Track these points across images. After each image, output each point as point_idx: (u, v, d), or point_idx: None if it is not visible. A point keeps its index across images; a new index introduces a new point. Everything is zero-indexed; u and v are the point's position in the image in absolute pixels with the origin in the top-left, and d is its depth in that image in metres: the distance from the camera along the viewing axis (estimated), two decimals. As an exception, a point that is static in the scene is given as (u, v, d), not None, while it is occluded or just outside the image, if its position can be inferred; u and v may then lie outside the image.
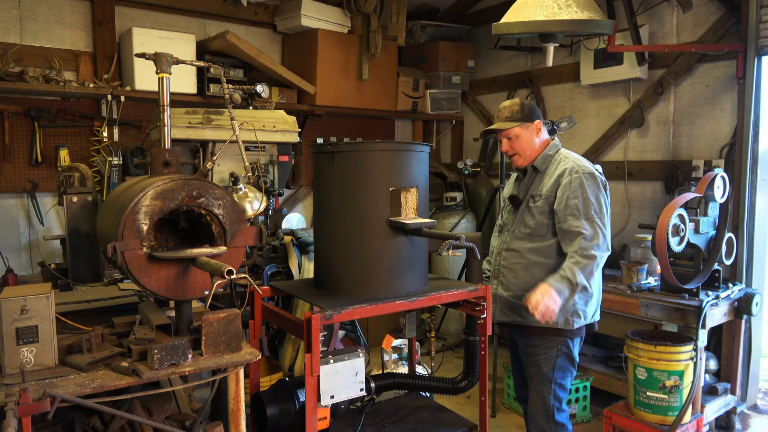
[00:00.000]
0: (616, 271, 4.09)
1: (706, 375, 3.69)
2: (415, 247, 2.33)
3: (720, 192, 3.47)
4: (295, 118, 3.43)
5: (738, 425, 3.74)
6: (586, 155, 4.83)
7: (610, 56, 4.39)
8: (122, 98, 4.04)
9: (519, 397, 3.06)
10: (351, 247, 2.27)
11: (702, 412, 3.38)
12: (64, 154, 4.03)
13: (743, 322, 3.70)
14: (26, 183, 3.95)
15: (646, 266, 3.77)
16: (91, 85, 3.94)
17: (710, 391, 3.64)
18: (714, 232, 3.55)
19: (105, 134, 4.07)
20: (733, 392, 3.74)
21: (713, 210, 3.54)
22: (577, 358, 2.75)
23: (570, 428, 2.76)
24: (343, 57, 4.92)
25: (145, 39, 4.00)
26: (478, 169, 5.63)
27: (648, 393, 3.23)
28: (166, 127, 2.21)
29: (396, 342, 3.55)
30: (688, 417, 3.22)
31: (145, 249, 1.84)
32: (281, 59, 5.13)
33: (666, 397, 3.18)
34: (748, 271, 3.87)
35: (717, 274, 3.55)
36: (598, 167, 2.74)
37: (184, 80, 4.14)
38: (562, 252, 2.60)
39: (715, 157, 4.03)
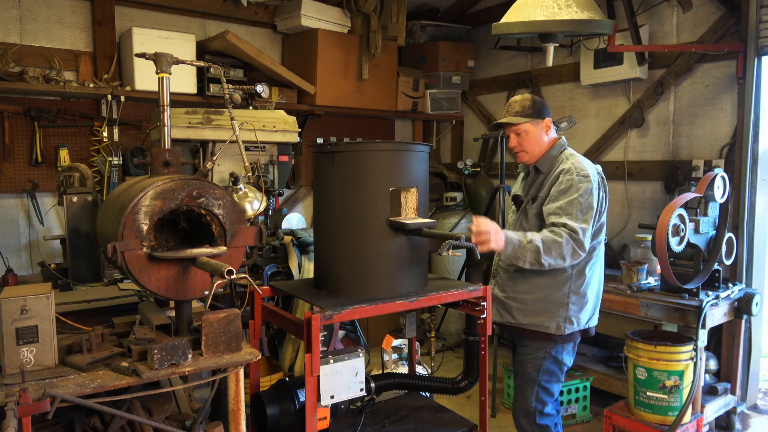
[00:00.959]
0: (616, 271, 4.09)
1: (706, 375, 3.69)
2: (415, 247, 2.33)
3: (720, 192, 3.47)
4: (295, 118, 3.43)
5: (738, 425, 3.74)
6: (586, 155, 4.81)
7: (610, 56, 4.39)
8: (122, 98, 4.04)
9: None
10: (351, 247, 2.27)
11: (702, 412, 3.38)
12: (64, 154, 4.03)
13: (743, 322, 3.70)
14: (26, 183, 3.95)
15: (646, 266, 3.77)
16: (91, 85, 3.94)
17: (710, 391, 3.64)
18: (714, 232, 3.55)
19: (105, 134, 4.07)
20: (733, 392, 3.74)
21: (713, 210, 3.54)
22: (569, 364, 2.71)
23: None
24: (343, 57, 4.92)
25: (145, 39, 4.00)
26: (478, 169, 5.63)
27: (648, 393, 3.23)
28: (166, 127, 2.21)
29: (396, 342, 3.55)
30: (688, 417, 3.22)
31: (145, 249, 1.84)
32: (281, 59, 5.13)
33: (666, 397, 3.18)
34: (748, 271, 3.87)
35: (717, 274, 3.55)
36: (598, 167, 2.71)
37: (184, 80, 4.14)
38: None
39: (715, 157, 4.03)
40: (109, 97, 3.97)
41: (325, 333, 3.05)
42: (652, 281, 3.71)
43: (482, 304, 2.46)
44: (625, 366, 3.39)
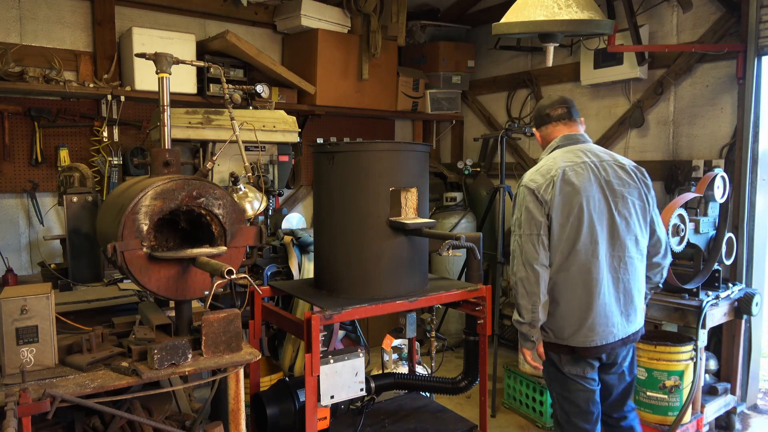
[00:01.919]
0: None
1: (706, 375, 3.69)
2: (415, 247, 2.33)
3: (720, 192, 3.47)
4: (295, 118, 3.43)
5: (738, 425, 3.74)
6: (586, 155, 4.83)
7: (610, 56, 4.39)
8: (122, 98, 4.04)
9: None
10: (351, 247, 2.27)
11: (702, 412, 3.38)
12: (64, 154, 4.03)
13: (743, 322, 3.70)
14: (26, 183, 3.95)
15: (646, 266, 3.76)
16: (91, 85, 3.94)
17: (710, 391, 3.64)
18: (714, 232, 3.56)
19: (105, 134, 4.06)
20: (733, 392, 3.74)
21: (713, 210, 3.54)
22: (582, 374, 2.43)
23: None
24: (343, 57, 4.92)
25: (145, 39, 4.00)
26: (478, 169, 5.63)
27: (648, 393, 3.23)
28: (166, 127, 2.22)
29: (396, 342, 3.55)
30: (688, 417, 3.22)
31: (145, 249, 1.84)
32: (281, 59, 5.13)
33: (666, 397, 3.18)
34: (748, 271, 3.87)
35: (717, 274, 3.55)
36: (563, 166, 2.40)
37: (184, 80, 4.14)
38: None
39: (715, 157, 4.02)
40: (109, 97, 3.97)
41: (325, 333, 3.05)
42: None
43: (482, 304, 2.46)
44: (625, 366, 3.38)
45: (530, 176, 2.44)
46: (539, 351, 2.45)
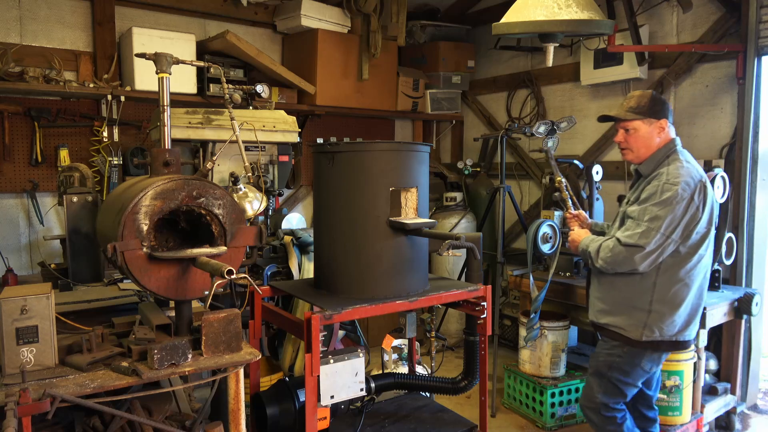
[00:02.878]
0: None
1: (706, 375, 3.69)
2: (415, 247, 2.33)
3: (720, 192, 3.47)
4: (295, 118, 3.43)
5: (738, 425, 3.74)
6: (586, 155, 4.84)
7: (610, 56, 4.39)
8: (122, 98, 4.04)
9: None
10: (351, 247, 2.27)
11: (702, 412, 3.38)
12: (64, 154, 4.03)
13: (743, 322, 3.70)
14: (26, 183, 3.95)
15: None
16: (91, 85, 3.94)
17: (710, 391, 3.64)
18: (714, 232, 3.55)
19: (105, 134, 4.06)
20: (733, 392, 3.74)
21: (713, 210, 3.54)
22: (648, 371, 2.66)
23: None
24: (343, 57, 4.92)
25: (145, 39, 4.00)
26: (478, 169, 5.63)
27: (648, 393, 3.22)
28: (166, 127, 2.21)
29: (396, 342, 3.55)
30: (688, 417, 3.22)
31: (145, 249, 1.84)
32: (281, 59, 5.13)
33: (666, 397, 3.18)
34: (748, 271, 3.87)
35: (717, 275, 3.55)
36: (703, 175, 2.56)
37: (184, 80, 4.14)
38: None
39: (715, 157, 4.02)
40: (109, 97, 3.97)
41: (325, 333, 3.05)
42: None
43: (482, 304, 2.46)
44: (625, 366, 3.38)
45: (686, 171, 2.50)
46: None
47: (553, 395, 3.69)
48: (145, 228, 1.84)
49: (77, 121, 4.09)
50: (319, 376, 2.07)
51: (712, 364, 3.80)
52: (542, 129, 3.87)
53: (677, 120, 4.30)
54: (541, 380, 3.74)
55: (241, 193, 2.78)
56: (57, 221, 4.07)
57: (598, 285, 2.74)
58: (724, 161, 3.94)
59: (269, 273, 3.15)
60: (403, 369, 3.44)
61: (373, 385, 2.55)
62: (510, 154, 5.51)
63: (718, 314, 3.41)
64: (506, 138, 4.39)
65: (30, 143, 3.94)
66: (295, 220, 4.71)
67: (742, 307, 3.53)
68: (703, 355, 3.40)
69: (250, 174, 2.61)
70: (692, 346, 3.21)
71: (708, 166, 3.96)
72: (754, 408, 3.99)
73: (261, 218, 3.23)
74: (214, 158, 2.37)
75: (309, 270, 3.23)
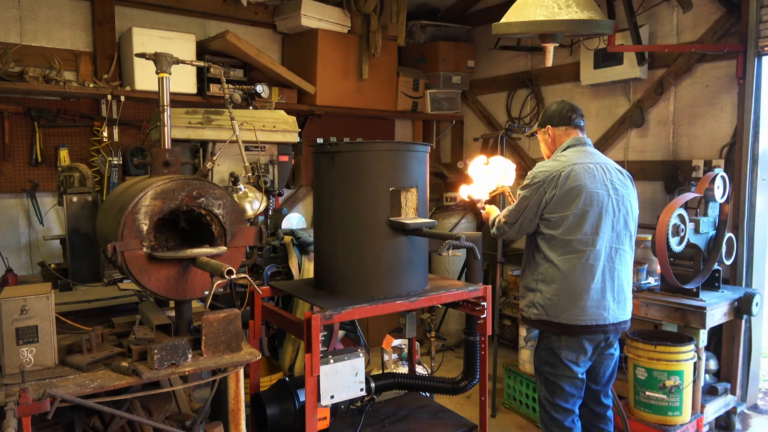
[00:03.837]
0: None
1: (706, 375, 3.69)
2: (415, 247, 2.33)
3: (720, 192, 3.47)
4: (295, 118, 3.43)
5: (738, 425, 3.74)
6: (586, 155, 4.83)
7: (610, 56, 4.39)
8: (122, 98, 4.03)
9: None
10: (351, 247, 2.27)
11: (702, 412, 3.38)
12: (64, 154, 4.03)
13: (743, 322, 3.70)
14: (26, 183, 3.95)
15: (646, 266, 3.76)
16: (91, 85, 3.94)
17: (710, 391, 3.64)
18: (714, 232, 3.55)
19: (105, 134, 4.06)
20: (733, 392, 3.74)
21: (713, 210, 3.54)
22: (573, 360, 2.65)
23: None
24: (343, 57, 4.92)
25: (145, 39, 4.00)
26: (478, 169, 5.61)
27: (648, 393, 3.23)
28: (166, 127, 2.21)
29: (396, 342, 3.55)
30: (688, 417, 3.22)
31: (145, 249, 1.84)
32: (281, 59, 5.13)
33: (666, 397, 3.18)
34: (748, 271, 3.87)
35: (717, 274, 3.55)
36: (565, 168, 2.68)
37: (184, 80, 4.14)
38: (534, 251, 2.74)
39: (715, 157, 4.02)
40: (109, 97, 3.97)
41: (325, 333, 3.05)
42: (652, 281, 3.71)
43: (482, 304, 2.46)
44: (625, 366, 3.39)
45: (540, 168, 2.74)
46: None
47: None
48: (145, 228, 1.84)
49: (77, 121, 4.09)
50: (319, 376, 2.07)
51: (712, 364, 3.80)
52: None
53: (677, 120, 4.30)
54: (541, 380, 3.73)
55: (241, 193, 2.77)
56: (57, 221, 4.07)
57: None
58: (724, 161, 3.94)
59: (269, 273, 3.15)
60: (403, 369, 3.44)
61: (373, 385, 2.55)
62: (510, 154, 5.50)
63: (718, 314, 3.41)
64: (506, 138, 4.39)
65: (30, 143, 3.94)
66: (295, 220, 4.71)
67: (742, 307, 3.53)
68: (703, 355, 3.40)
69: (250, 174, 2.61)
70: (692, 345, 3.21)
71: (708, 166, 3.97)
72: (754, 408, 3.99)
73: (261, 218, 3.23)
74: (214, 158, 2.37)
75: (309, 270, 3.23)
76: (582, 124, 2.87)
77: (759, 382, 4.12)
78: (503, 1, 5.09)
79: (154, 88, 2.32)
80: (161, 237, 2.01)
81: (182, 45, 4.12)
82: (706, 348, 3.60)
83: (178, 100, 4.11)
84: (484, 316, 2.46)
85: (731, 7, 3.88)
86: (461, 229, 5.31)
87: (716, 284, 3.55)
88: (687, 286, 3.38)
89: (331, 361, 2.14)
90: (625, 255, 2.73)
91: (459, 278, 4.67)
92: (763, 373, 4.26)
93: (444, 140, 6.29)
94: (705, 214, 3.52)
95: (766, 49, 3.71)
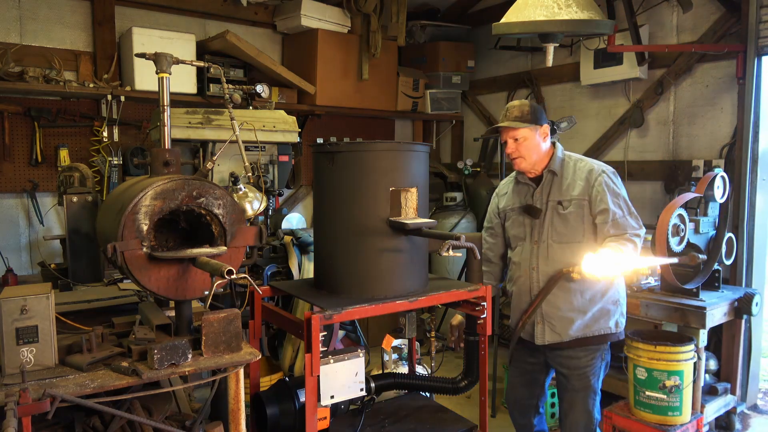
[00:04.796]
0: (616, 271, 4.09)
1: (706, 375, 3.69)
2: (415, 247, 2.33)
3: (720, 192, 3.47)
4: (295, 118, 3.43)
5: (738, 425, 3.74)
6: (586, 155, 4.79)
7: (610, 56, 4.39)
8: (122, 98, 4.04)
9: (521, 420, 2.96)
10: (351, 247, 2.27)
11: (702, 412, 3.38)
12: (64, 154, 4.03)
13: (743, 322, 3.70)
14: (26, 183, 3.95)
15: (646, 266, 3.76)
16: (91, 85, 3.94)
17: (710, 391, 3.64)
18: (714, 232, 3.55)
19: (105, 134, 4.06)
20: (733, 392, 3.74)
21: (713, 210, 3.54)
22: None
23: None
24: (343, 57, 4.92)
25: (145, 39, 4.00)
26: (478, 169, 5.63)
27: (648, 393, 3.22)
28: (166, 127, 2.21)
29: (396, 342, 3.54)
30: (688, 417, 3.22)
31: (145, 249, 1.84)
32: (281, 59, 5.13)
33: (666, 397, 3.18)
34: (748, 271, 3.87)
35: (717, 274, 3.55)
36: None
37: (184, 80, 4.14)
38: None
39: (715, 157, 4.02)
40: (109, 97, 3.97)
41: (325, 333, 3.05)
42: (652, 281, 3.71)
43: (482, 304, 2.46)
44: (625, 366, 3.38)
45: (601, 163, 2.70)
46: None
47: (552, 395, 3.69)
48: (145, 228, 1.84)
49: (77, 121, 4.09)
50: (319, 376, 2.07)
51: (712, 364, 3.80)
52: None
53: (677, 120, 4.30)
54: (541, 380, 3.73)
55: (241, 193, 2.78)
56: (57, 221, 4.07)
57: (568, 298, 2.64)
58: (724, 161, 3.94)
59: (269, 273, 3.15)
60: (403, 369, 3.44)
61: (373, 385, 2.55)
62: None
63: (718, 314, 3.41)
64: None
65: (30, 143, 3.94)
66: (295, 220, 4.71)
67: (742, 307, 3.53)
68: (703, 355, 3.40)
69: (250, 174, 2.61)
70: (692, 345, 3.21)
71: (708, 166, 3.97)
72: (754, 408, 3.99)
73: (261, 218, 3.23)
74: (214, 158, 2.37)
75: (309, 270, 3.23)
76: None
77: (759, 382, 4.12)
78: (503, 1, 5.09)
79: (154, 88, 2.31)
80: (161, 237, 2.01)
81: (182, 45, 4.12)
82: (706, 348, 3.60)
83: (178, 100, 4.11)
84: (484, 316, 2.46)
85: (731, 7, 3.88)
86: (461, 229, 5.31)
87: (716, 284, 3.55)
88: (687, 286, 3.38)
89: (331, 361, 2.14)
90: None
91: (459, 278, 4.67)
92: (763, 373, 4.26)
93: (444, 140, 6.29)
94: (705, 214, 3.52)
95: (766, 49, 3.71)
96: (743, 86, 3.79)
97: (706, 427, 3.46)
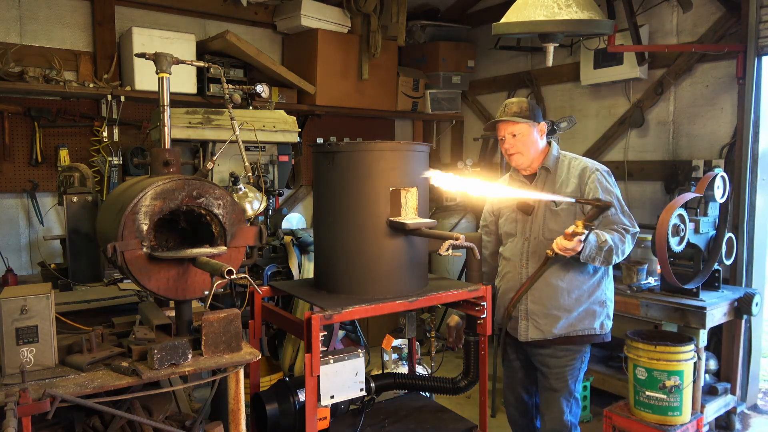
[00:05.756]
0: (616, 271, 4.08)
1: (706, 375, 3.69)
2: (415, 247, 2.33)
3: (720, 192, 3.47)
4: (295, 118, 3.43)
5: (738, 425, 3.74)
6: (586, 155, 4.81)
7: (610, 56, 4.39)
8: (122, 98, 4.04)
9: (517, 418, 2.97)
10: (351, 247, 2.27)
11: (702, 412, 3.38)
12: (64, 154, 4.03)
13: (743, 322, 3.70)
14: (26, 183, 3.95)
15: (646, 266, 3.76)
16: (91, 85, 3.94)
17: (710, 391, 3.64)
18: (714, 232, 3.55)
19: (105, 134, 4.06)
20: (733, 392, 3.74)
21: (713, 210, 3.54)
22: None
23: None
24: (343, 57, 4.92)
25: (145, 39, 4.00)
26: (478, 169, 5.62)
27: (648, 393, 3.22)
28: (166, 127, 2.21)
29: (396, 342, 3.54)
30: (688, 417, 3.22)
31: (145, 249, 1.84)
32: (281, 59, 5.13)
33: (666, 397, 3.18)
34: (748, 271, 3.87)
35: (717, 274, 3.55)
36: None
37: (184, 80, 4.14)
38: None
39: (715, 157, 4.02)
40: (109, 97, 3.97)
41: (325, 333, 3.05)
42: (652, 281, 3.71)
43: (482, 304, 2.46)
44: (625, 366, 3.39)
45: (595, 162, 2.70)
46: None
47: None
48: (145, 228, 1.84)
49: (77, 121, 4.09)
50: (319, 376, 2.07)
51: (712, 364, 3.80)
52: (543, 128, 3.86)
53: (677, 120, 4.30)
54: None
55: (241, 193, 2.78)
56: (57, 221, 4.07)
57: (554, 295, 2.63)
58: (724, 161, 3.94)
59: (269, 273, 3.15)
60: (403, 369, 3.44)
61: (373, 385, 2.55)
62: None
63: (718, 314, 3.41)
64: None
65: (30, 143, 3.94)
66: (295, 220, 4.71)
67: (742, 307, 3.53)
68: (703, 355, 3.40)
69: (250, 174, 2.61)
70: (692, 345, 3.21)
71: (708, 166, 3.97)
72: (754, 408, 3.99)
73: (261, 218, 3.23)
74: (214, 158, 2.37)
75: (309, 270, 3.23)
76: None
77: (759, 382, 4.12)
78: (503, 1, 5.09)
79: (154, 88, 2.31)
80: (161, 237, 2.01)
81: (182, 45, 4.12)
82: (706, 348, 3.60)
83: (178, 100, 4.11)
84: (484, 316, 2.46)
85: (731, 7, 3.88)
86: (461, 229, 5.31)
87: (716, 284, 3.55)
88: (687, 286, 3.38)
89: (331, 361, 2.14)
90: None
91: (459, 278, 4.67)
92: (763, 373, 4.26)
93: (444, 140, 6.29)
94: (705, 214, 3.52)
95: (766, 49, 3.71)
96: (743, 86, 3.79)
97: (706, 427, 3.46)
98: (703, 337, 3.32)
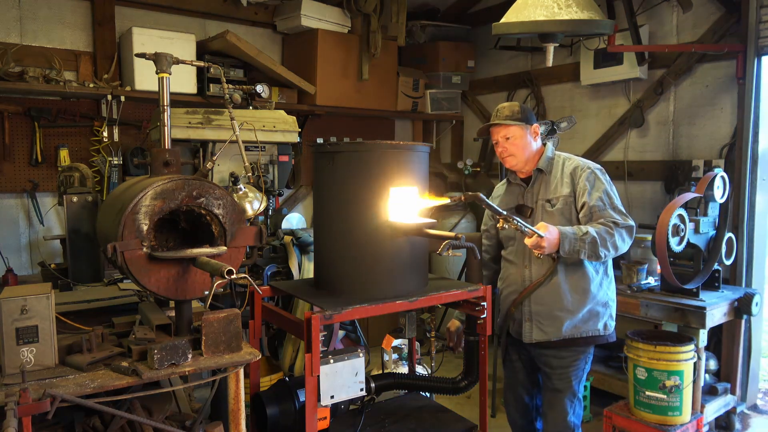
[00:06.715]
0: (616, 271, 4.08)
1: (706, 375, 3.69)
2: (415, 247, 2.33)
3: (720, 192, 3.47)
4: (295, 118, 3.43)
5: (738, 425, 3.74)
6: (586, 155, 4.83)
7: (610, 56, 4.39)
8: (122, 98, 4.03)
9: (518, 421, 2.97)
10: (351, 247, 2.27)
11: (702, 412, 3.38)
12: (64, 154, 4.03)
13: (743, 322, 3.70)
14: (26, 183, 3.95)
15: (646, 266, 3.76)
16: (91, 85, 3.94)
17: (710, 391, 3.64)
18: (714, 232, 3.55)
19: (105, 134, 4.06)
20: (733, 392, 3.74)
21: (713, 210, 3.54)
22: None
23: None
24: (343, 57, 4.92)
25: (145, 39, 4.00)
26: (478, 169, 5.63)
27: (648, 393, 3.23)
28: (166, 127, 2.21)
29: (396, 342, 3.54)
30: (688, 417, 3.22)
31: (145, 249, 1.84)
32: (281, 59, 5.13)
33: (666, 397, 3.18)
34: (748, 271, 3.87)
35: (717, 274, 3.55)
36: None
37: (184, 80, 4.14)
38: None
39: (715, 157, 4.03)
40: (109, 97, 3.97)
41: (325, 333, 3.05)
42: (652, 281, 3.71)
43: (482, 304, 2.46)
44: (625, 366, 3.39)
45: (588, 161, 2.68)
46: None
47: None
48: (145, 228, 1.84)
49: (77, 121, 4.09)
50: (319, 376, 2.07)
51: (712, 364, 3.80)
52: (542, 129, 3.86)
53: (677, 120, 4.30)
54: (541, 380, 3.73)
55: (241, 193, 2.78)
56: (57, 221, 4.07)
57: (556, 296, 2.62)
58: (724, 161, 3.94)
59: (269, 273, 3.15)
60: (403, 369, 3.44)
61: (373, 385, 2.55)
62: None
63: (718, 314, 3.41)
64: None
65: (30, 143, 3.94)
66: (295, 220, 4.71)
67: (742, 307, 3.53)
68: (703, 355, 3.40)
69: (250, 174, 2.61)
70: (692, 345, 3.20)
71: (708, 166, 3.97)
72: (754, 408, 3.99)
73: (261, 218, 3.23)
74: (214, 158, 2.37)
75: (309, 270, 3.23)
76: None
77: (759, 382, 4.12)
78: (503, 1, 5.09)
79: (154, 88, 2.31)
80: (161, 237, 2.01)
81: (182, 45, 4.12)
82: (706, 348, 3.61)
83: (178, 100, 4.11)
84: (484, 316, 2.46)
85: (731, 7, 3.88)
86: (461, 229, 5.31)
87: (716, 284, 3.55)
88: (687, 286, 3.38)
89: (331, 361, 2.14)
90: None
91: (459, 278, 4.67)
92: (763, 373, 4.26)
93: (444, 140, 6.29)
94: (705, 214, 3.52)
95: (766, 49, 3.71)
96: (743, 86, 3.80)
97: (706, 427, 3.46)
98: (703, 337, 3.32)
